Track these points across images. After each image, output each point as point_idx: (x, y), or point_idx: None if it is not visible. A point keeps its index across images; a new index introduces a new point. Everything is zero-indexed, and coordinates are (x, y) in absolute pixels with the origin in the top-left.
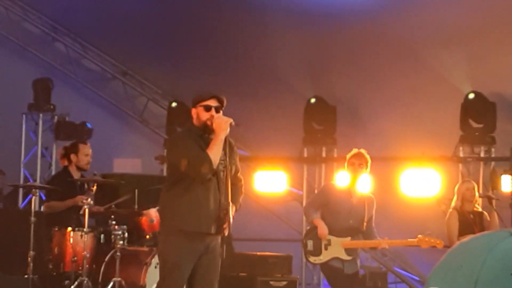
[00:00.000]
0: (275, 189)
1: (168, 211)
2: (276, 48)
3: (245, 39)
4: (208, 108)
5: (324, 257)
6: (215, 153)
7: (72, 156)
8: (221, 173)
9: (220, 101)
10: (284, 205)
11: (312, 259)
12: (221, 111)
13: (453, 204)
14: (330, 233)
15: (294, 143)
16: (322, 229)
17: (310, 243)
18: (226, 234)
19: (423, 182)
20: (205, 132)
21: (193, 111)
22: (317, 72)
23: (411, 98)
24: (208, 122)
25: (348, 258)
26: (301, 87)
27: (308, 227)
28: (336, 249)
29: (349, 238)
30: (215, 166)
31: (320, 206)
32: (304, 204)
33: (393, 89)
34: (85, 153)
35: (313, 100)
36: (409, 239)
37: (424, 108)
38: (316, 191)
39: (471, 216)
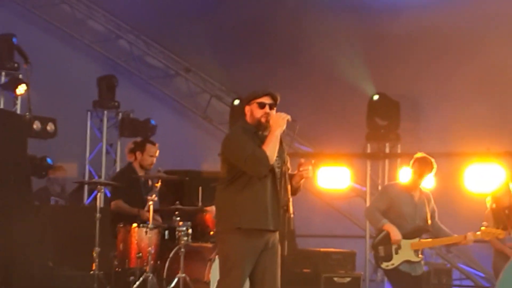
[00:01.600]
0: (338, 185)
1: (226, 209)
2: (337, 44)
3: (307, 36)
4: (262, 106)
5: (396, 261)
6: (271, 149)
7: (138, 154)
8: (277, 169)
9: (274, 98)
10: (347, 201)
11: (384, 265)
12: (275, 108)
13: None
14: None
15: (357, 139)
16: (396, 234)
17: (381, 249)
18: (289, 229)
19: (488, 178)
20: (259, 129)
21: (247, 108)
22: (379, 68)
23: (475, 92)
24: (262, 119)
25: (418, 259)
26: (362, 82)
27: (370, 228)
28: (406, 252)
29: (417, 239)
30: (271, 163)
31: (385, 209)
32: (367, 206)
33: (457, 83)
34: (151, 153)
35: (376, 97)
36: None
37: (489, 102)
38: (379, 189)
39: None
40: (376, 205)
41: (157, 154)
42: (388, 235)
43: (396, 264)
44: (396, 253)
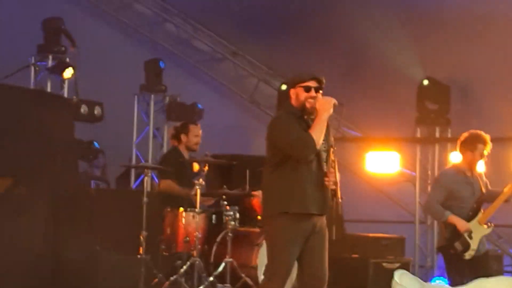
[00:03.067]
0: (387, 170)
1: (272, 193)
2: (386, 29)
3: (356, 20)
4: (307, 89)
5: (474, 244)
6: (317, 133)
7: (183, 137)
8: (324, 153)
9: (319, 82)
10: (396, 186)
11: (467, 255)
12: (320, 92)
13: None
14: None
15: (407, 124)
16: (462, 224)
17: (457, 244)
18: (337, 214)
19: None
20: (304, 113)
21: (292, 91)
22: (428, 52)
23: None
24: (307, 103)
25: (490, 229)
26: (411, 67)
27: (419, 213)
28: (478, 230)
29: (480, 213)
30: (318, 147)
31: (444, 199)
32: (426, 201)
33: (507, 67)
34: (195, 133)
35: (425, 82)
36: None
37: None
38: (433, 179)
39: None
40: (434, 198)
41: (200, 133)
42: (455, 228)
43: (476, 247)
44: (471, 237)
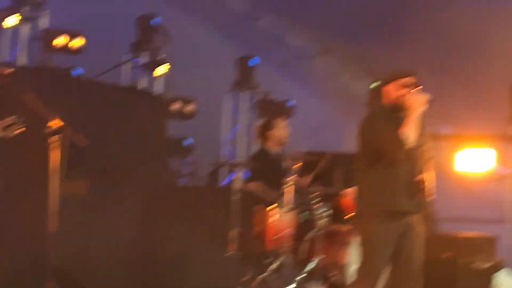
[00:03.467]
0: (480, 168)
1: (365, 193)
2: (482, 25)
3: (447, 16)
4: (401, 86)
5: None
6: (409, 130)
7: (270, 133)
8: (417, 151)
9: (414, 79)
10: (490, 184)
11: None
12: (414, 89)
13: None
14: None
15: (501, 121)
16: None
17: None
18: (428, 212)
19: None
20: (396, 111)
21: (385, 89)
22: None
23: None
24: (400, 100)
25: None
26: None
27: None
28: None
29: None
30: (410, 144)
31: None
32: None
33: None
34: (282, 126)
35: None
36: None
37: None
38: None
39: None
40: None
41: (287, 125)
42: None
43: None
44: None
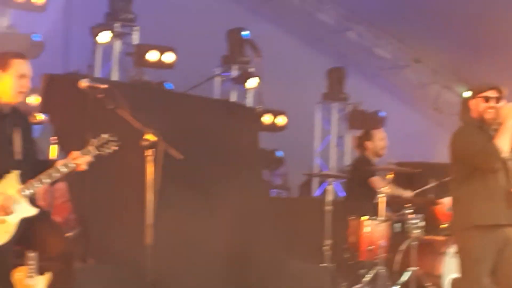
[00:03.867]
0: None
1: (461, 206)
2: None
3: None
4: (487, 100)
5: None
6: (503, 141)
7: (368, 144)
8: (511, 162)
9: (500, 91)
10: None
11: None
12: (501, 102)
13: None
14: None
15: None
16: None
17: None
18: None
19: None
20: (484, 125)
21: (471, 102)
22: None
23: None
24: (487, 114)
25: None
26: None
27: None
28: None
29: None
30: (503, 155)
31: None
32: None
33: None
34: (380, 137)
35: None
36: None
37: None
38: None
39: None
40: None
41: (385, 136)
42: None
43: None
44: None
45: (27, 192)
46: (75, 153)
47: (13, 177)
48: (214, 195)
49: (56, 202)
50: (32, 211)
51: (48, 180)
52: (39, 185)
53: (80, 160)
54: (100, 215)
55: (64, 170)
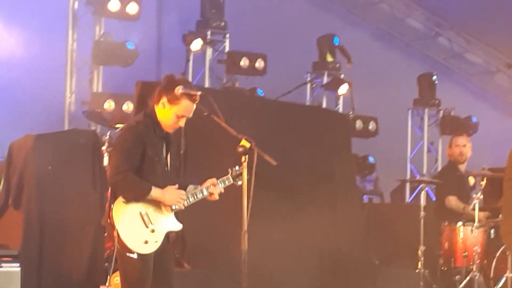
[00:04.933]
0: None
1: None
2: None
3: None
4: None
5: None
6: None
7: (448, 150)
8: None
9: None
10: None
11: None
12: None
13: None
14: None
15: None
16: None
17: None
18: None
19: None
20: None
21: None
22: None
23: None
24: None
25: None
26: None
27: None
28: None
29: None
30: None
31: None
32: None
33: None
34: (456, 144)
35: None
36: None
37: None
38: None
39: None
40: None
41: (465, 143)
42: None
43: None
44: None
45: (175, 207)
46: (212, 181)
47: None
48: (307, 200)
49: None
50: (178, 226)
51: (192, 200)
52: (185, 203)
53: (216, 189)
54: (196, 220)
55: (204, 194)
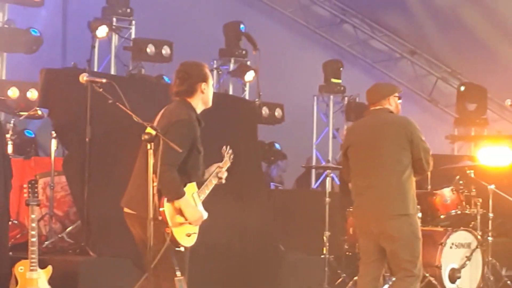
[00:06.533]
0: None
1: (409, 194)
2: None
3: None
4: None
5: None
6: None
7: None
8: None
9: None
10: None
11: None
12: None
13: None
14: None
15: None
16: None
17: None
18: None
19: None
20: None
21: None
22: None
23: None
24: None
25: None
26: None
27: None
28: None
29: None
30: None
31: None
32: None
33: None
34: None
35: None
36: None
37: None
38: None
39: None
40: None
41: None
42: None
43: None
44: None
45: (202, 197)
46: (217, 166)
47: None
48: (212, 187)
49: (56, 195)
50: (206, 214)
51: (209, 189)
52: (207, 192)
53: (224, 174)
54: (101, 207)
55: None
